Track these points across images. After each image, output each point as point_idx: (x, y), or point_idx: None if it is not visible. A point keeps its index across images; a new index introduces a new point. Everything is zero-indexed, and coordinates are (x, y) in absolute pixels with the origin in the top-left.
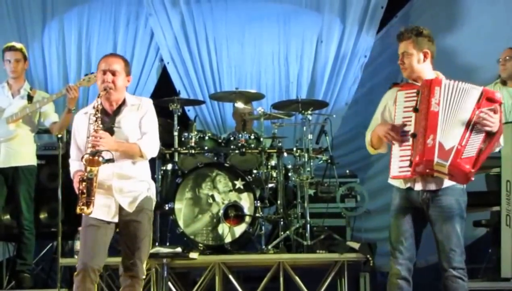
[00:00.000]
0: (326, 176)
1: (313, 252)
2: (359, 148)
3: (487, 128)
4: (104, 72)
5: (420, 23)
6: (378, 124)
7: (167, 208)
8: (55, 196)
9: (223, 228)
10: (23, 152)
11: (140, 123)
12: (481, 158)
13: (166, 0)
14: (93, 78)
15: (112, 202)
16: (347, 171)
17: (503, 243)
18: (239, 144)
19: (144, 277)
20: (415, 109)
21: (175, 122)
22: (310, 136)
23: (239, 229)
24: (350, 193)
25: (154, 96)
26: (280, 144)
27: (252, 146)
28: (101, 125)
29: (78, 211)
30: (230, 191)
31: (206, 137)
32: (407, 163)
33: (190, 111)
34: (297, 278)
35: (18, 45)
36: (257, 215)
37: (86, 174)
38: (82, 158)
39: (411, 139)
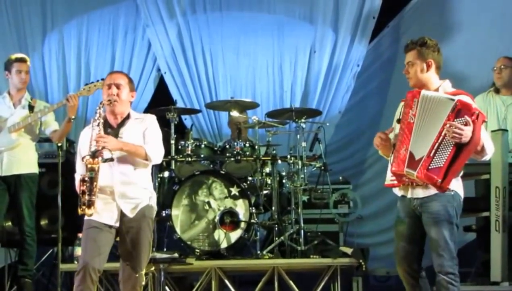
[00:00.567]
0: (320, 182)
1: (307, 257)
2: (352, 155)
3: (456, 141)
4: (109, 86)
5: (411, 33)
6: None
7: (164, 215)
8: (55, 203)
9: (219, 234)
10: (25, 160)
11: (145, 134)
12: (453, 169)
13: (163, 11)
14: (93, 87)
15: (114, 207)
16: (340, 178)
17: (493, 248)
18: (235, 152)
19: (143, 283)
20: (398, 120)
21: (172, 131)
22: (303, 144)
23: (235, 235)
24: (343, 199)
25: (152, 105)
26: (274, 152)
27: (247, 153)
28: (103, 131)
29: (79, 211)
30: (226, 197)
31: (202, 146)
32: None
33: (187, 120)
34: (291, 283)
35: (26, 57)
36: (252, 221)
37: (87, 173)
38: (83, 158)
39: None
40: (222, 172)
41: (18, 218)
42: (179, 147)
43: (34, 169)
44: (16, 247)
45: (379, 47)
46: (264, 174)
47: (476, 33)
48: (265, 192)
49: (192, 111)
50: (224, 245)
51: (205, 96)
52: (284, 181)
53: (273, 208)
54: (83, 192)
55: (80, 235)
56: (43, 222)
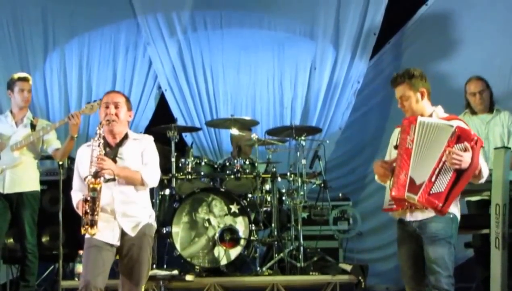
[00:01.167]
0: (319, 199)
1: (306, 273)
2: (352, 171)
3: (456, 167)
4: (107, 106)
5: (412, 50)
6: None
7: (164, 232)
8: (56, 220)
9: (219, 251)
10: (27, 178)
11: (142, 156)
12: (453, 193)
13: (164, 29)
14: (95, 106)
15: (115, 226)
16: (340, 194)
17: (493, 265)
18: (235, 170)
19: None
20: (395, 146)
21: (173, 148)
22: (303, 161)
23: (235, 252)
24: (343, 215)
25: (153, 122)
26: (274, 169)
27: (247, 171)
28: (103, 151)
29: (82, 231)
30: (226, 215)
31: (203, 163)
32: None
33: (187, 137)
34: None
35: (29, 76)
36: (251, 238)
37: (89, 193)
38: (85, 178)
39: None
40: (222, 190)
41: (20, 235)
42: (180, 165)
43: (36, 186)
44: (17, 263)
45: (380, 63)
46: (264, 191)
47: (477, 50)
48: (264, 208)
49: (192, 129)
50: (224, 262)
51: (206, 113)
52: (284, 198)
53: (273, 224)
54: (86, 212)
55: (81, 252)
56: (44, 239)
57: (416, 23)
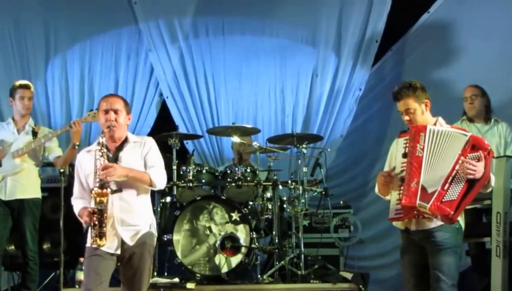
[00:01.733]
0: (320, 206)
1: (307, 281)
2: (353, 178)
3: (470, 177)
4: (107, 112)
5: (414, 57)
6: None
7: (165, 239)
8: (57, 227)
9: (220, 259)
10: (28, 185)
11: (146, 159)
12: (465, 202)
13: (165, 36)
14: (98, 113)
15: (114, 235)
16: (341, 202)
17: (493, 273)
18: (236, 177)
19: None
20: (404, 155)
21: (174, 156)
22: (304, 169)
23: (235, 260)
24: (344, 223)
25: (154, 130)
26: (275, 177)
27: (248, 178)
28: (107, 161)
29: (92, 243)
30: (227, 222)
31: (204, 171)
32: (399, 206)
33: (189, 144)
34: None
35: (30, 83)
36: (252, 246)
37: (96, 206)
38: (91, 191)
39: (401, 183)
40: (223, 197)
41: (21, 242)
42: (181, 172)
43: (37, 193)
44: (19, 270)
45: (381, 70)
46: (265, 198)
47: (478, 57)
48: (265, 216)
49: (193, 137)
50: (224, 269)
51: (207, 120)
52: (285, 205)
53: (274, 232)
54: (94, 224)
55: (81, 259)
56: (45, 246)
57: (418, 30)
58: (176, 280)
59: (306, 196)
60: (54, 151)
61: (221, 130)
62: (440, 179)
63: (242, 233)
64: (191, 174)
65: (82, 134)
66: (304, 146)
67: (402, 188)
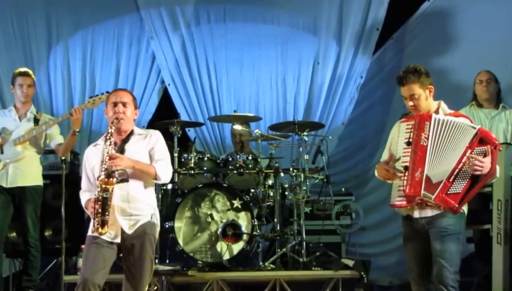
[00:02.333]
0: (322, 194)
1: (308, 268)
2: (355, 165)
3: (477, 173)
4: (115, 104)
5: (415, 45)
6: (378, 165)
7: (167, 226)
8: (59, 214)
9: (222, 246)
10: (30, 173)
11: (152, 152)
12: (469, 195)
13: (167, 23)
14: (97, 100)
15: (115, 223)
16: (343, 189)
17: (495, 260)
18: (237, 165)
19: None
20: (408, 143)
21: (175, 143)
22: (306, 156)
23: (237, 247)
24: (345, 210)
25: (156, 117)
26: (277, 164)
27: (250, 166)
28: (114, 150)
29: (93, 230)
30: (228, 210)
31: (205, 158)
32: (402, 193)
33: (191, 131)
34: None
35: (30, 71)
36: (254, 233)
37: (101, 194)
38: (98, 178)
39: (404, 171)
40: (225, 185)
41: (23, 229)
42: (182, 160)
43: (39, 181)
44: (20, 257)
45: (382, 58)
46: (266, 186)
47: (478, 45)
48: (267, 203)
49: (195, 125)
50: (226, 256)
51: (209, 107)
52: (286, 193)
53: (275, 219)
54: (97, 212)
55: (83, 246)
56: (47, 233)
57: (419, 18)
58: (178, 267)
59: (307, 183)
60: (56, 138)
61: (223, 118)
62: (446, 171)
63: (243, 220)
64: (192, 161)
65: (84, 121)
66: (305, 133)
67: (405, 176)
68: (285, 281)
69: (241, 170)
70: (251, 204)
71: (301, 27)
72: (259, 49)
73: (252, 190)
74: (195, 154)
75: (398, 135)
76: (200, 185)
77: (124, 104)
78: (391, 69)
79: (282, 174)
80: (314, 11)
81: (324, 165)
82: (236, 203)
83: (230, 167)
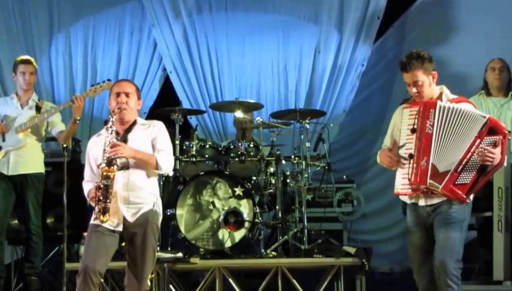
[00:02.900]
0: (324, 181)
1: (310, 256)
2: (356, 153)
3: (487, 163)
4: (118, 95)
5: (415, 34)
6: (382, 149)
7: (168, 214)
8: (61, 201)
9: (223, 233)
10: (31, 160)
11: (155, 142)
12: (477, 186)
13: (169, 11)
14: (99, 88)
15: (117, 211)
16: (344, 176)
17: (495, 247)
18: (239, 153)
19: (148, 289)
20: (413, 130)
21: (177, 131)
22: (308, 144)
23: (239, 234)
24: (347, 198)
25: (157, 104)
26: (278, 152)
27: (252, 153)
28: (115, 138)
29: (94, 218)
30: (230, 197)
31: (207, 146)
32: (407, 181)
33: (192, 119)
34: (295, 282)
35: (32, 59)
36: (256, 220)
37: (102, 181)
38: (99, 166)
39: (409, 159)
40: (227, 172)
41: (25, 216)
42: (184, 147)
43: (41, 168)
44: (22, 244)
45: (383, 47)
46: (268, 173)
47: (479, 34)
48: (269, 191)
49: (197, 112)
50: (228, 244)
51: (211, 95)
52: (288, 180)
53: (277, 207)
54: (99, 199)
55: (85, 234)
56: (49, 220)
57: (420, 7)
58: (180, 254)
59: (309, 170)
60: (57, 125)
61: (224, 105)
62: (454, 160)
63: (245, 207)
64: (194, 149)
65: (85, 108)
66: (307, 121)
67: (410, 164)
68: (286, 269)
69: (243, 158)
70: (252, 192)
71: (302, 15)
72: (261, 38)
73: (254, 178)
74: (196, 141)
75: (401, 122)
76: (202, 173)
77: (127, 95)
78: (392, 57)
79: (283, 162)
80: (315, 0)
81: (325, 153)
82: (238, 191)
83: (231, 155)
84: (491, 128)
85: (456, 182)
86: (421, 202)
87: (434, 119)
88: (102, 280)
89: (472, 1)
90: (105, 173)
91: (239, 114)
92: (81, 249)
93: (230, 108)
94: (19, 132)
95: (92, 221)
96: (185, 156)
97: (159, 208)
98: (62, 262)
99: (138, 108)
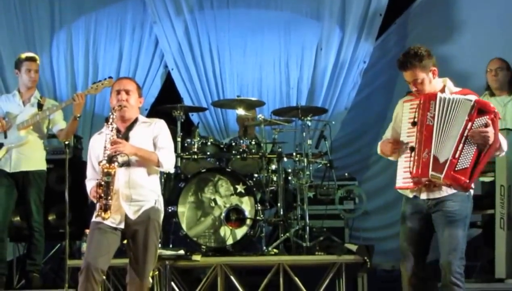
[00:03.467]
0: (325, 178)
1: (312, 253)
2: (358, 150)
3: (481, 143)
4: (118, 92)
5: (418, 31)
6: (382, 142)
7: (170, 211)
8: (63, 199)
9: (225, 231)
10: (33, 157)
11: (156, 140)
12: (478, 169)
13: (170, 8)
14: (100, 86)
15: (119, 209)
16: (346, 174)
17: (497, 245)
18: (241, 150)
19: (149, 285)
20: (413, 123)
21: (178, 128)
22: (309, 141)
23: (240, 232)
24: (349, 195)
25: (159, 101)
26: (280, 149)
27: (253, 151)
28: (116, 136)
29: (96, 215)
30: (232, 195)
31: (209, 143)
32: (409, 174)
33: (194, 116)
34: (296, 279)
35: (36, 56)
36: (257, 218)
37: (103, 178)
38: (100, 163)
39: (410, 152)
40: (228, 170)
41: (27, 214)
42: (185, 144)
43: (42, 166)
44: (24, 241)
45: (385, 44)
46: (270, 171)
47: (482, 31)
48: (270, 188)
49: (198, 109)
50: (230, 241)
51: (212, 92)
52: (289, 177)
53: (279, 204)
54: (100, 197)
55: (87, 231)
56: (51, 217)
57: (422, 4)
58: (181, 252)
59: (311, 168)
60: (58, 123)
61: (226, 102)
62: (451, 148)
63: (247, 205)
64: (196, 146)
65: (87, 105)
66: (308, 118)
67: (411, 157)
68: (288, 266)
69: (245, 155)
70: (254, 189)
71: (304, 12)
72: (262, 35)
73: (256, 175)
74: (198, 138)
75: (402, 115)
76: (204, 170)
77: (127, 92)
78: (394, 54)
79: (285, 159)
80: None
81: (327, 150)
82: (240, 188)
83: (233, 152)
84: (479, 109)
85: (456, 168)
86: (423, 196)
87: (434, 111)
88: (104, 277)
89: None
90: (106, 170)
91: (241, 111)
92: (82, 246)
93: (232, 105)
94: (21, 130)
95: (94, 218)
96: (187, 153)
97: (160, 205)
98: (64, 259)
99: (140, 106)
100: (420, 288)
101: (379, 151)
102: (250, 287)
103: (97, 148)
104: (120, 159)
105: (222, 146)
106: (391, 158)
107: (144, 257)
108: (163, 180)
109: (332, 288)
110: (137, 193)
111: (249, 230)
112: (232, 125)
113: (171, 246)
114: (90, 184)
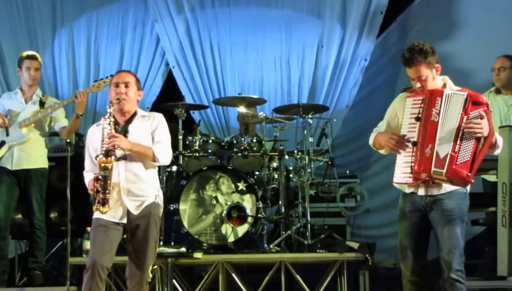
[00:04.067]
0: (327, 176)
1: (313, 251)
2: (359, 148)
3: (477, 135)
4: (117, 85)
5: (419, 29)
6: (380, 133)
7: (172, 209)
8: (64, 196)
9: (226, 228)
10: (35, 155)
11: (154, 134)
12: (477, 161)
13: (172, 6)
14: (102, 84)
15: (119, 204)
16: (347, 171)
17: (499, 243)
18: (242, 148)
19: (149, 279)
20: (417, 118)
21: (180, 126)
22: (311, 139)
23: (242, 229)
24: (350, 193)
25: (160, 99)
26: (281, 147)
27: (255, 148)
28: (114, 129)
29: (94, 210)
30: (233, 192)
31: (210, 141)
32: (409, 169)
33: (195, 114)
34: (298, 276)
35: (37, 54)
36: (259, 215)
37: (100, 172)
38: (97, 157)
39: (412, 147)
40: (230, 167)
41: (28, 211)
42: (187, 142)
43: (44, 163)
44: (26, 239)
45: (386, 42)
46: (271, 168)
47: (483, 28)
48: (272, 186)
49: (200, 107)
50: (231, 239)
51: (213, 90)
52: (291, 175)
53: (280, 202)
54: (98, 191)
55: (88, 228)
56: (52, 215)
57: (423, 1)
58: (183, 249)
59: (312, 165)
60: (60, 121)
61: (227, 100)
62: (450, 142)
63: (248, 202)
64: (197, 144)
65: (89, 103)
66: (310, 116)
67: (413, 152)
68: (290, 264)
69: (246, 153)
70: (255, 187)
71: (305, 10)
72: (263, 33)
73: (257, 173)
74: (199, 136)
75: (403, 110)
76: (205, 168)
77: (126, 85)
78: (395, 52)
79: (286, 157)
80: None
81: (328, 148)
82: (241, 186)
83: (234, 150)
84: (473, 102)
85: (457, 162)
86: (421, 192)
87: (440, 107)
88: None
89: None
90: (103, 164)
91: (242, 109)
92: (84, 243)
93: (233, 103)
94: (23, 127)
95: (95, 215)
96: (188, 151)
97: (160, 200)
98: (65, 257)
99: (139, 99)
100: (420, 285)
101: (371, 142)
102: (251, 285)
103: (94, 140)
104: (118, 153)
105: (223, 144)
106: (382, 151)
107: (145, 251)
108: (164, 178)
109: (334, 285)
110: (138, 188)
111: (251, 228)
112: (233, 123)
113: (172, 243)
114: (88, 176)
